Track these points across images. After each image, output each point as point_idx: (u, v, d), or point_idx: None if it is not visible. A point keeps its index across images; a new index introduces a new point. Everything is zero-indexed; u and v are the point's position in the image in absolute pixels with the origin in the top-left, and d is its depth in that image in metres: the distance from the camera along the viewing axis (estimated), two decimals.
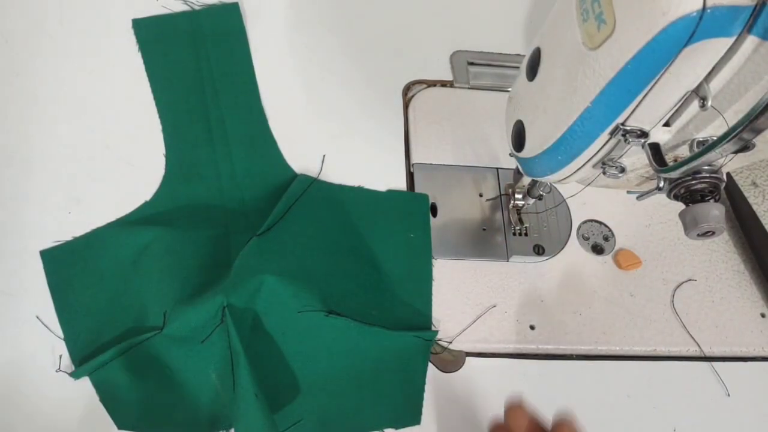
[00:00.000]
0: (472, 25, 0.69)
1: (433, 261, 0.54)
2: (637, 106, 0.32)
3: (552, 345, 0.52)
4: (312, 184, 0.55)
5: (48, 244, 0.51)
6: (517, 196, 0.55)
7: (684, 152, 0.36)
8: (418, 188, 0.58)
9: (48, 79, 0.58)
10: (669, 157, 0.36)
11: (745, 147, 0.30)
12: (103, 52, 0.61)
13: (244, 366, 0.44)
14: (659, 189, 0.35)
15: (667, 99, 0.32)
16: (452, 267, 0.54)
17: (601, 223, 0.59)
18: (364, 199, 0.56)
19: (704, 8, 0.26)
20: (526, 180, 0.53)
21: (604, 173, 0.38)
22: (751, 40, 0.28)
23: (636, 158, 0.38)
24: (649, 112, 0.33)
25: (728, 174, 0.58)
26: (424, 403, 0.48)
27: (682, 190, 0.34)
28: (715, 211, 0.34)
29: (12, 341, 0.47)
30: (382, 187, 0.57)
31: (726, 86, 0.31)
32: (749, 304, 0.56)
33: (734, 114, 0.32)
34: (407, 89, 0.64)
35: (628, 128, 0.34)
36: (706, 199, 0.34)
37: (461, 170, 0.59)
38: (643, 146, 0.35)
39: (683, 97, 0.32)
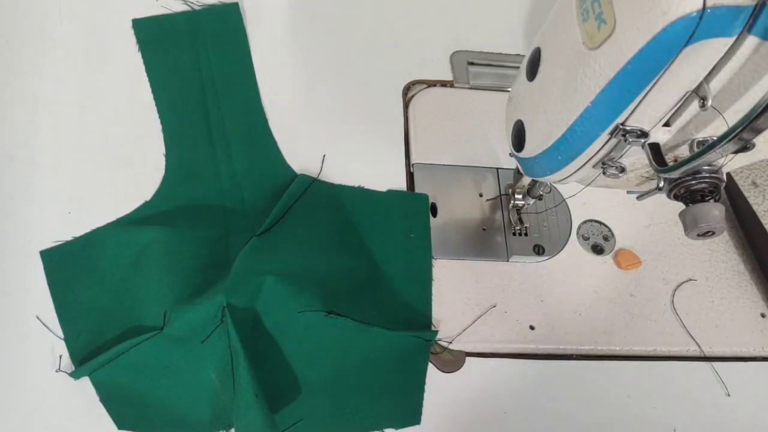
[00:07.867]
0: (472, 25, 0.69)
1: (433, 261, 0.54)
2: (637, 106, 0.32)
3: (552, 345, 0.52)
4: (312, 184, 0.55)
5: (48, 244, 0.51)
6: (517, 196, 0.55)
7: (684, 152, 0.36)
8: (418, 188, 0.58)
9: (48, 79, 0.58)
10: (669, 157, 0.36)
11: (745, 147, 0.30)
12: (103, 52, 0.61)
13: (244, 366, 0.44)
14: (659, 189, 0.35)
15: (667, 99, 0.32)
16: (452, 267, 0.54)
17: (601, 223, 0.58)
18: (364, 199, 0.56)
19: (704, 8, 0.26)
20: (526, 180, 0.53)
21: (604, 173, 0.38)
22: (751, 40, 0.28)
23: (636, 158, 0.38)
24: (649, 112, 0.33)
25: (728, 174, 0.58)
26: (424, 403, 0.48)
27: (682, 190, 0.34)
28: (715, 211, 0.34)
29: (12, 341, 0.47)
30: (382, 187, 0.57)
31: (726, 86, 0.31)
32: (749, 304, 0.56)
33: (734, 114, 0.32)
34: (407, 89, 0.64)
35: (628, 128, 0.34)
36: (706, 199, 0.34)
37: (461, 170, 0.59)
38: (643, 146, 0.35)
39: (683, 97, 0.32)
